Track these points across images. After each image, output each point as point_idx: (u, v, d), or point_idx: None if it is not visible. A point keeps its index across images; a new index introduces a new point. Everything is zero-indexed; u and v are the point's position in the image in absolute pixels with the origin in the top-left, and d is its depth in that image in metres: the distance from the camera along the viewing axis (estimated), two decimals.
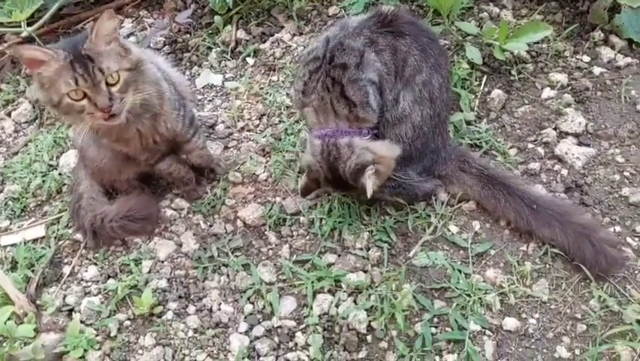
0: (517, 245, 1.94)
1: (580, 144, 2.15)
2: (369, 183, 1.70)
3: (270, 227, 2.11)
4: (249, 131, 2.46)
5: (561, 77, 2.34)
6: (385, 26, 1.82)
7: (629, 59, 2.40)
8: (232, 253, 2.06)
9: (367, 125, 1.84)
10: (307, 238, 2.07)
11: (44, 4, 2.83)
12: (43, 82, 1.67)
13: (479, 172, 1.97)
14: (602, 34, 2.48)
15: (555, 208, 1.85)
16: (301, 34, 2.83)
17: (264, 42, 2.83)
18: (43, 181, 2.39)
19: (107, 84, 1.67)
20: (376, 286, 1.89)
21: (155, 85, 1.86)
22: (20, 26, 2.77)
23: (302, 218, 2.11)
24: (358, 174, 1.74)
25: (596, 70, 2.38)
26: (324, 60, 1.83)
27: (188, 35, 2.94)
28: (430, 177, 1.99)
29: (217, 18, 2.88)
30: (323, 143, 1.81)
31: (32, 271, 2.10)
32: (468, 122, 2.26)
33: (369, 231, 2.03)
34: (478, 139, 2.20)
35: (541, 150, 2.16)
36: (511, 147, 2.19)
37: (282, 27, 2.89)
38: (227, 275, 2.01)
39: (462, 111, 2.27)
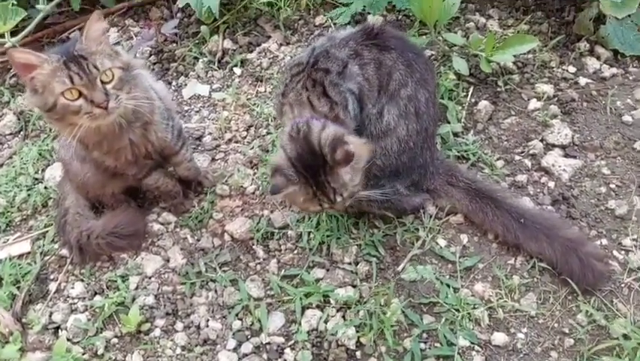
0: (505, 259, 1.94)
1: (566, 155, 2.16)
2: (349, 148, 1.61)
3: (257, 241, 2.10)
4: (236, 142, 2.45)
5: (547, 88, 2.36)
6: (371, 39, 1.82)
7: (614, 70, 2.42)
8: (220, 268, 2.05)
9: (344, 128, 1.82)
10: (295, 252, 2.06)
11: (28, 14, 2.80)
12: (37, 86, 1.66)
13: (467, 185, 1.97)
14: (588, 45, 2.50)
15: (542, 222, 1.86)
16: (288, 43, 2.83)
17: (251, 52, 2.82)
18: (29, 195, 2.36)
19: (102, 82, 1.67)
20: (365, 302, 1.88)
21: (146, 92, 1.86)
22: (4, 37, 2.73)
23: (290, 232, 2.10)
24: (336, 145, 1.63)
25: (582, 80, 2.39)
26: (307, 64, 1.84)
27: (174, 45, 2.92)
28: (418, 191, 1.99)
29: (203, 28, 2.87)
30: (293, 125, 1.77)
31: (18, 288, 2.08)
32: (455, 134, 2.26)
33: (357, 245, 2.03)
34: (466, 151, 2.20)
35: (528, 162, 2.17)
36: (498, 159, 2.19)
37: (269, 37, 2.88)
38: (215, 291, 2.00)
39: (449, 123, 2.27)
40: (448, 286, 1.89)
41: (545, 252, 1.84)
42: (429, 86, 1.85)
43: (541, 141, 2.21)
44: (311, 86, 1.81)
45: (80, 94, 1.64)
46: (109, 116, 1.69)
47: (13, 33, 2.76)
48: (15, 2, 2.74)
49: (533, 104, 2.32)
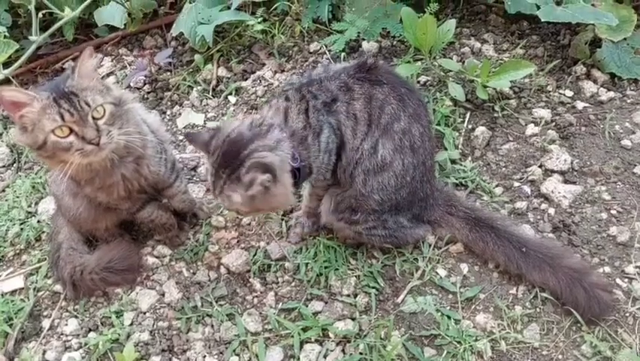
0: (506, 288, 1.91)
1: (566, 181, 2.14)
2: (258, 182, 1.63)
3: (254, 274, 2.06)
4: None
5: (545, 113, 2.34)
6: (364, 73, 1.81)
7: (611, 94, 2.41)
8: (216, 302, 2.01)
9: (304, 157, 1.81)
10: (293, 284, 2.03)
11: (21, 45, 2.79)
12: (26, 124, 1.63)
13: (466, 215, 1.95)
14: (584, 69, 2.50)
15: (545, 251, 1.83)
16: (283, 71, 2.82)
17: (246, 80, 2.81)
18: (22, 229, 2.32)
19: (93, 118, 1.65)
20: (365, 335, 1.84)
21: (138, 126, 1.83)
22: None
23: (287, 263, 2.07)
24: (257, 169, 1.64)
25: (579, 105, 2.38)
26: (303, 83, 1.85)
27: (168, 74, 2.91)
28: (419, 223, 1.96)
29: (197, 56, 2.86)
30: (259, 119, 1.79)
31: (10, 325, 2.02)
32: (453, 161, 2.24)
33: (356, 276, 1.99)
34: (464, 178, 2.18)
35: (527, 189, 2.14)
36: (496, 186, 2.17)
37: (264, 64, 2.87)
38: (212, 326, 1.96)
39: (446, 149, 2.26)
40: (449, 317, 1.85)
41: (549, 282, 1.81)
42: (422, 120, 1.84)
43: (540, 166, 2.19)
44: (296, 100, 1.81)
45: (71, 131, 1.62)
46: (101, 152, 1.66)
47: (6, 64, 2.76)
48: (7, 34, 2.74)
49: (531, 129, 2.31)
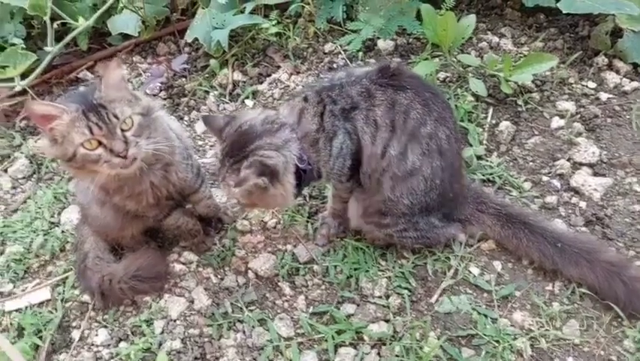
0: (542, 285, 1.89)
1: (595, 174, 2.12)
2: (250, 182, 1.65)
3: (283, 278, 2.04)
4: None
5: (569, 105, 2.32)
6: (387, 78, 1.79)
7: (635, 84, 2.38)
8: (246, 307, 1.99)
9: (313, 160, 1.81)
10: (323, 287, 2.01)
11: (37, 56, 2.77)
12: (56, 137, 1.62)
13: (497, 211, 1.92)
14: (606, 60, 2.47)
15: (580, 245, 1.81)
16: (298, 73, 2.80)
17: (262, 83, 2.79)
18: (46, 240, 2.31)
19: (122, 130, 1.64)
20: (400, 337, 1.82)
21: (165, 134, 1.82)
22: (13, 80, 2.71)
23: (316, 266, 2.05)
24: (259, 169, 1.66)
25: (603, 96, 2.35)
26: (324, 87, 1.84)
27: (184, 80, 2.90)
28: (449, 221, 1.94)
29: (213, 61, 2.85)
30: (274, 116, 1.80)
31: (40, 337, 2.01)
32: (479, 157, 2.22)
33: (387, 277, 1.97)
34: (491, 174, 2.16)
35: (556, 183, 2.12)
36: (525, 181, 2.15)
37: (279, 67, 2.86)
38: (243, 332, 1.94)
39: (471, 146, 2.24)
40: (486, 316, 1.83)
41: (587, 277, 1.78)
42: (448, 123, 1.81)
43: (568, 160, 2.17)
44: (314, 102, 1.80)
45: (100, 143, 1.61)
46: (130, 166, 1.65)
47: (22, 75, 2.74)
48: (24, 46, 2.73)
49: (556, 122, 2.28)
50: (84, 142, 1.59)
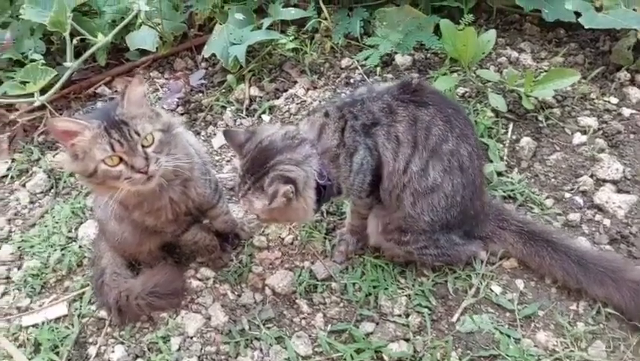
0: (566, 304, 1.84)
1: (619, 191, 2.08)
2: (280, 194, 1.64)
3: (300, 295, 2.02)
4: None
5: (591, 121, 2.29)
6: (408, 94, 1.77)
7: None
8: (264, 325, 1.96)
9: (333, 175, 1.79)
10: (341, 305, 1.98)
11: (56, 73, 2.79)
12: (77, 152, 1.62)
13: (519, 229, 1.89)
14: (628, 75, 2.44)
15: (605, 264, 1.77)
16: (315, 88, 2.80)
17: (278, 98, 2.79)
18: (63, 255, 2.31)
19: (143, 146, 1.64)
20: (421, 357, 1.78)
21: (185, 150, 1.82)
22: (33, 95, 2.73)
23: (334, 284, 2.02)
24: (275, 180, 1.66)
25: (626, 111, 2.32)
26: (345, 102, 1.83)
27: (200, 95, 2.91)
28: (470, 239, 1.91)
29: (230, 77, 2.86)
30: (294, 131, 1.79)
31: (57, 353, 2.00)
32: (499, 173, 2.19)
33: (406, 295, 1.94)
34: (512, 190, 2.13)
35: (579, 200, 2.08)
36: (547, 198, 2.11)
37: (296, 82, 2.86)
38: (261, 350, 1.91)
39: (492, 162, 2.21)
40: (509, 336, 1.79)
41: (612, 296, 1.74)
42: (470, 139, 1.79)
43: (591, 176, 2.13)
44: (334, 118, 1.79)
45: (121, 160, 1.61)
46: (150, 181, 1.65)
47: (42, 91, 2.76)
48: (44, 61, 2.75)
49: (578, 138, 2.25)
50: (105, 158, 1.59)
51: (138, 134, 1.61)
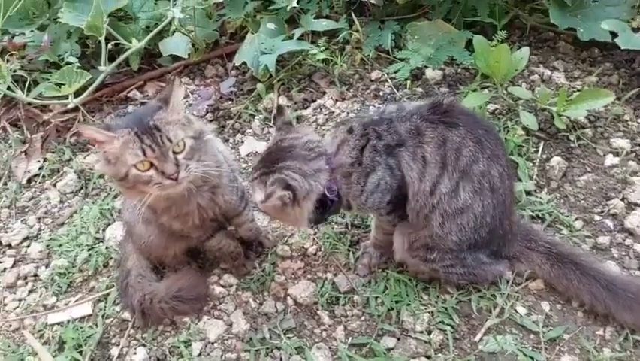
0: (592, 329, 1.81)
1: None
2: (275, 197, 1.68)
3: (322, 306, 2.02)
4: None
5: (624, 143, 2.25)
6: (439, 115, 1.76)
7: None
8: (284, 334, 1.96)
9: (344, 192, 1.80)
10: (362, 318, 1.97)
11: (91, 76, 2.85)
12: (109, 158, 1.65)
13: (547, 250, 1.86)
14: None
15: (635, 290, 1.73)
16: (344, 99, 2.80)
17: (306, 108, 2.80)
18: (90, 255, 2.34)
19: (174, 152, 1.66)
20: None
21: (214, 157, 1.84)
22: (67, 97, 2.79)
23: (356, 297, 2.02)
24: (276, 182, 1.68)
25: None
26: (373, 120, 1.82)
27: (230, 102, 2.94)
28: (497, 258, 1.88)
29: (259, 85, 2.88)
30: (315, 139, 1.82)
31: (80, 352, 2.02)
32: (528, 192, 2.16)
33: (429, 312, 1.92)
34: (541, 210, 2.10)
35: (609, 223, 2.05)
36: (576, 219, 2.08)
37: (324, 93, 2.87)
38: (280, 359, 1.91)
39: (520, 180, 2.18)
40: (532, 359, 1.76)
41: None
42: (501, 160, 1.77)
43: (623, 199, 2.09)
44: (357, 135, 1.78)
45: (152, 165, 1.63)
46: (178, 185, 1.67)
47: (76, 93, 2.82)
48: (79, 65, 2.81)
49: (610, 159, 2.21)
50: (137, 163, 1.61)
51: (170, 141, 1.63)
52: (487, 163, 1.73)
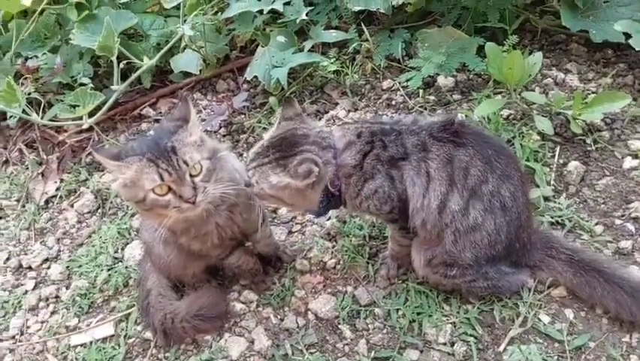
0: (618, 336, 1.78)
1: None
2: (312, 175, 1.68)
3: (343, 320, 2.01)
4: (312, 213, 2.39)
5: None
6: (448, 133, 1.75)
7: None
8: (307, 349, 1.96)
9: (344, 190, 1.80)
10: (385, 331, 1.96)
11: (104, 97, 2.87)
12: (126, 182, 1.66)
13: (569, 257, 1.84)
14: None
15: None
16: (356, 109, 2.80)
17: (320, 120, 2.80)
18: (110, 275, 2.36)
19: (190, 175, 1.66)
20: None
21: (231, 175, 1.84)
22: (82, 118, 2.82)
23: (377, 310, 2.01)
24: (306, 160, 1.69)
25: None
26: (383, 129, 1.82)
27: (243, 117, 2.94)
28: (518, 268, 1.87)
29: (272, 99, 2.88)
30: (324, 134, 1.83)
31: None
32: (546, 198, 2.14)
33: (451, 323, 1.91)
34: (560, 216, 2.08)
35: (631, 227, 2.02)
36: (596, 224, 2.05)
37: (337, 103, 2.87)
38: None
39: (538, 187, 2.16)
40: None
41: None
42: (513, 178, 1.76)
43: None
44: (364, 140, 1.79)
45: (169, 189, 1.64)
46: (197, 208, 1.68)
47: (90, 113, 2.84)
48: (92, 85, 2.84)
49: (629, 162, 2.19)
50: (154, 188, 1.62)
51: (186, 164, 1.63)
52: (497, 183, 1.72)
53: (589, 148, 2.27)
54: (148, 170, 1.61)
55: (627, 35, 2.37)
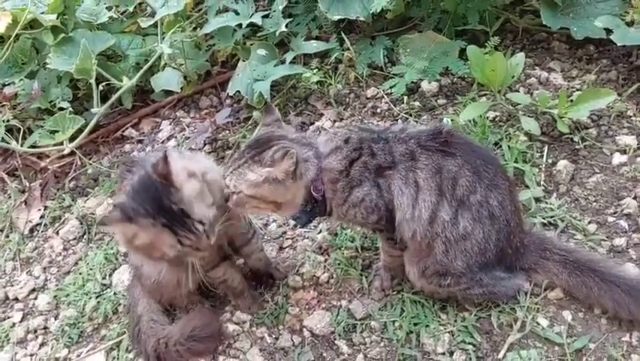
0: (618, 335, 1.75)
1: None
2: (284, 164, 1.64)
3: (339, 335, 1.97)
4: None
5: (630, 140, 2.21)
6: (437, 143, 1.73)
7: None
8: None
9: (329, 195, 1.77)
10: (382, 344, 1.92)
11: (83, 117, 2.82)
12: (138, 245, 1.63)
13: (563, 258, 1.82)
14: None
15: None
16: (342, 119, 2.78)
17: (306, 131, 2.77)
18: (99, 302, 2.31)
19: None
20: None
21: (221, 191, 1.78)
22: (62, 144, 2.77)
23: (373, 322, 1.97)
24: (279, 150, 1.65)
25: None
26: (372, 138, 1.78)
27: (227, 132, 2.91)
28: (513, 272, 1.84)
29: (256, 113, 2.85)
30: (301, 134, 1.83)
31: None
32: (537, 199, 2.12)
33: (449, 332, 1.87)
34: (552, 217, 2.06)
35: (624, 223, 2.00)
36: (589, 223, 2.03)
37: (322, 114, 2.84)
38: None
39: (528, 188, 2.14)
40: None
41: None
42: (501, 188, 1.74)
43: (635, 198, 2.05)
44: (351, 146, 1.76)
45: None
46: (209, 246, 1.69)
47: (70, 137, 2.79)
48: (72, 110, 2.79)
49: (618, 158, 2.17)
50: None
51: (202, 224, 1.62)
52: (485, 193, 1.71)
53: (577, 146, 2.25)
54: (166, 236, 1.59)
55: (608, 31, 2.36)
